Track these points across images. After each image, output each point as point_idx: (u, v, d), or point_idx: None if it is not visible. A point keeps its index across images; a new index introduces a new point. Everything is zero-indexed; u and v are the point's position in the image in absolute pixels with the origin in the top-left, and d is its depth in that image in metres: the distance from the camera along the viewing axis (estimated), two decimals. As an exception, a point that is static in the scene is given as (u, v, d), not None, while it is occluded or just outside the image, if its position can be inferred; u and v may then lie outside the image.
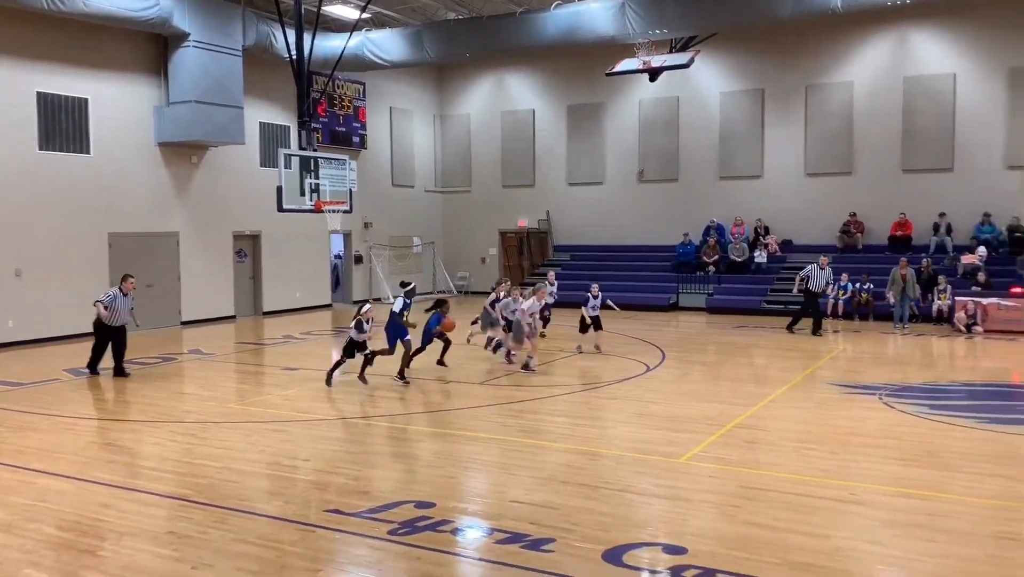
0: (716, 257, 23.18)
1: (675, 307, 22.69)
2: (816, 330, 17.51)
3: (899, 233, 21.82)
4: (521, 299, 13.64)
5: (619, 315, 17.36)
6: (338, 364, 12.20)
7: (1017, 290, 18.04)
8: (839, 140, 22.86)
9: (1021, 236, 20.18)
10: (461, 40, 21.12)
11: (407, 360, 12.33)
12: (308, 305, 23.51)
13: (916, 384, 12.18)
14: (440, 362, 13.43)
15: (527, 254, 27.70)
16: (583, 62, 24.79)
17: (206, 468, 8.07)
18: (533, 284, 17.12)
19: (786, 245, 23.26)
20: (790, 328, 17.82)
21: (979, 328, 17.49)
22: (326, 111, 23.54)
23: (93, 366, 13.21)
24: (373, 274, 25.75)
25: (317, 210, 16.19)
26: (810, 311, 17.79)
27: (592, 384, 12.40)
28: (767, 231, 23.31)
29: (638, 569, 5.55)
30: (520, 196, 27.31)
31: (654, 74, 19.57)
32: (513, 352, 13.67)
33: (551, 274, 18.96)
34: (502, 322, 14.02)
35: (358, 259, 25.49)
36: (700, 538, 6.07)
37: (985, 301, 17.89)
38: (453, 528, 6.33)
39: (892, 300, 18.28)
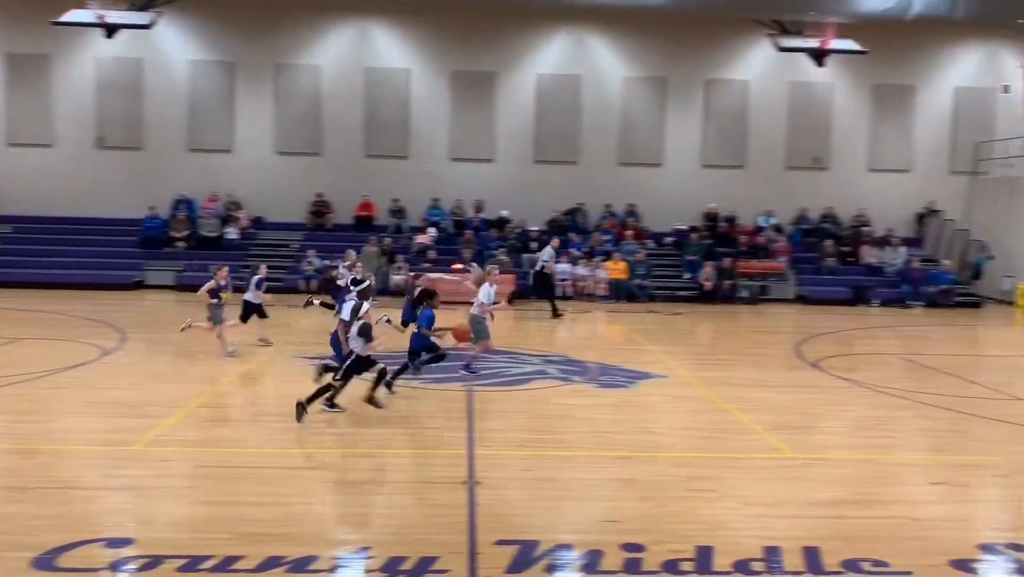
0: (187, 232, 22.20)
1: (141, 285, 21.19)
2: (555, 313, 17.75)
3: (363, 214, 23.39)
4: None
5: (71, 295, 15.61)
6: (328, 389, 8.56)
7: (458, 266, 20.70)
8: (308, 121, 23.53)
9: (461, 219, 23.19)
10: None
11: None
12: None
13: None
14: (387, 385, 9.75)
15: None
16: (25, 4, 21.52)
17: None
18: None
19: (258, 222, 23.29)
20: (555, 314, 17.76)
21: (429, 300, 19.66)
22: None
23: None
24: None
25: None
26: (548, 294, 18.02)
27: (33, 374, 10.89)
28: (238, 207, 23.06)
29: (76, 570, 5.05)
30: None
31: (111, 31, 17.91)
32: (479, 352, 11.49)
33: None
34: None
35: None
36: (148, 526, 5.77)
37: (434, 275, 20.16)
38: None
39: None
